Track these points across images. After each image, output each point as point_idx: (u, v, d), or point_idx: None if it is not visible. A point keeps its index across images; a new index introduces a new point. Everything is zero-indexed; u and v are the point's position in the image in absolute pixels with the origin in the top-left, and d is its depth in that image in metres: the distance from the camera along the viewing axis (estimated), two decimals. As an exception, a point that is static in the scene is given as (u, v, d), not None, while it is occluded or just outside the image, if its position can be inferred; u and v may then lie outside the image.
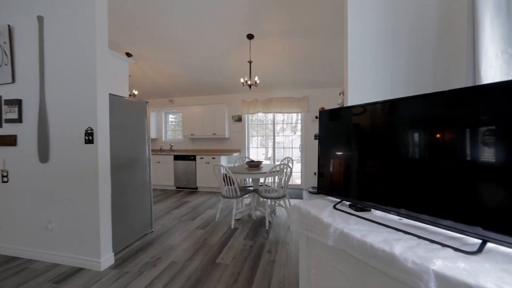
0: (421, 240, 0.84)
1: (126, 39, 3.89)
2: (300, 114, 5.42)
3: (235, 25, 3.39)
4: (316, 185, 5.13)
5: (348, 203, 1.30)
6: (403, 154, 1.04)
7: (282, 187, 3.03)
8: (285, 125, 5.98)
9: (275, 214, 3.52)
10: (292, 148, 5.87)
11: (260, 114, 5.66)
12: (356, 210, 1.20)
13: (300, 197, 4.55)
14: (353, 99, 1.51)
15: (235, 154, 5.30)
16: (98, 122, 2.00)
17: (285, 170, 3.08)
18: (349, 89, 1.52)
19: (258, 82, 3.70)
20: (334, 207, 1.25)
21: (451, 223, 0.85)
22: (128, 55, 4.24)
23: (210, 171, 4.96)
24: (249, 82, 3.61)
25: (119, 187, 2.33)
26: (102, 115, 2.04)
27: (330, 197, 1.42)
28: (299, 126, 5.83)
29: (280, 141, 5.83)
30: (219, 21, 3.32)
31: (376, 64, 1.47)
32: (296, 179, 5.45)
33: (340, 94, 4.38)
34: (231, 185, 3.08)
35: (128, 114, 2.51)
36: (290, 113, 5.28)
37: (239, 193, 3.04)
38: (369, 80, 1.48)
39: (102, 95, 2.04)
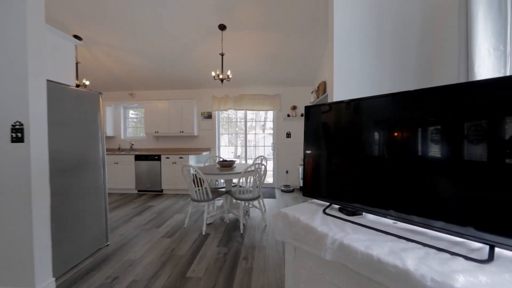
0: (427, 249, 0.76)
1: (75, 18, 3.29)
2: (270, 112, 5.37)
3: (206, 13, 3.11)
4: (288, 184, 5.15)
5: (337, 206, 1.21)
6: (394, 153, 0.98)
7: (257, 187, 2.89)
8: (253, 123, 5.87)
9: (249, 215, 3.37)
10: (264, 146, 5.78)
11: (229, 111, 5.44)
12: (347, 215, 1.10)
13: (273, 196, 4.48)
14: (339, 94, 1.42)
15: (204, 153, 5.00)
16: (31, 115, 1.57)
17: (260, 170, 2.94)
18: (335, 84, 1.43)
19: (230, 76, 3.48)
20: (324, 212, 1.14)
21: (443, 224, 0.82)
22: (78, 38, 3.61)
23: (177, 171, 4.57)
24: (221, 76, 3.37)
25: (63, 195, 1.91)
26: (37, 107, 1.62)
27: (316, 200, 1.31)
28: (268, 124, 5.79)
29: (250, 139, 5.68)
30: (187, 7, 3.00)
31: (363, 58, 1.40)
32: (268, 177, 5.37)
33: (312, 93, 4.42)
34: (201, 187, 2.82)
35: (75, 106, 2.07)
36: (262, 110, 5.18)
37: (210, 196, 2.80)
38: (356, 75, 1.41)
39: (36, 81, 1.61)
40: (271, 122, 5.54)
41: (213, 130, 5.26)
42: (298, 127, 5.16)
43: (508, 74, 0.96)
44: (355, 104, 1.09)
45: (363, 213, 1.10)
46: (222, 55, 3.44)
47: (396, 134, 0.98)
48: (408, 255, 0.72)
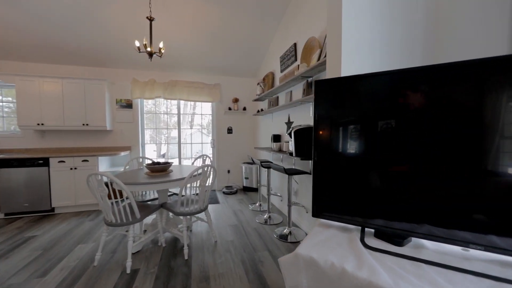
0: None
1: None
2: (200, 104, 4.72)
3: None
4: (230, 185, 4.64)
5: (371, 230, 0.82)
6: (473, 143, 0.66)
7: (206, 191, 2.25)
8: (181, 117, 5.09)
9: (191, 231, 2.67)
10: (202, 143, 5.03)
11: (151, 101, 4.40)
12: (394, 243, 0.73)
13: (216, 201, 3.89)
14: (348, 69, 1.04)
15: (123, 154, 3.80)
16: None
17: (208, 173, 2.31)
18: (343, 56, 1.04)
19: (163, 50, 2.62)
20: (364, 243, 0.72)
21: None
22: None
23: (79, 180, 3.26)
24: (149, 49, 2.48)
25: None
26: None
27: (333, 222, 0.89)
28: (196, 118, 5.14)
29: (175, 136, 4.79)
30: None
31: (373, 26, 1.07)
32: (207, 179, 4.70)
33: (258, 85, 4.05)
34: (120, 199, 1.94)
35: None
36: (199, 101, 4.43)
37: (138, 215, 1.97)
38: (365, 46, 1.07)
39: None
40: (200, 116, 4.88)
41: (135, 123, 4.10)
42: (240, 121, 4.73)
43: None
44: (420, 77, 0.71)
45: (411, 238, 0.76)
46: (150, 20, 2.53)
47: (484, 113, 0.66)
48: None
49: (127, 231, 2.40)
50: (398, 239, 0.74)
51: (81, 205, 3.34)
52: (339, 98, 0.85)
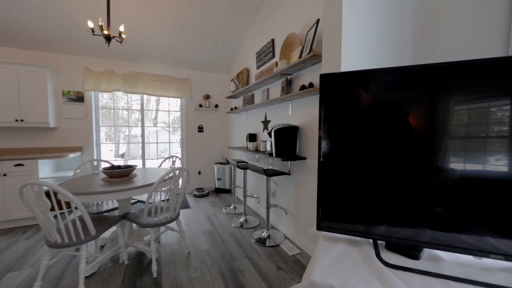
0: None
1: None
2: (165, 100, 4.37)
3: None
4: (201, 187, 4.35)
5: (382, 242, 0.73)
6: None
7: (179, 193, 1.99)
8: (144, 113, 4.69)
9: (159, 242, 2.37)
10: (169, 143, 4.62)
11: (107, 95, 3.84)
12: (406, 255, 0.65)
13: (187, 205, 3.58)
14: (348, 66, 0.95)
15: (72, 155, 3.23)
16: None
17: (179, 176, 2.05)
18: (343, 53, 0.94)
19: (124, 36, 2.25)
20: (381, 260, 0.62)
21: None
22: None
23: (10, 189, 2.64)
24: (106, 32, 2.09)
25: None
26: None
27: (338, 235, 0.78)
28: (160, 115, 4.78)
29: (136, 134, 4.32)
30: None
31: (371, 23, 1.00)
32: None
33: (232, 81, 3.85)
34: (65, 211, 1.58)
35: None
36: (167, 96, 4.03)
37: (93, 231, 1.62)
38: (364, 43, 0.99)
39: None
40: (167, 113, 4.50)
41: (88, 119, 3.53)
42: (212, 119, 4.46)
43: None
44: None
45: (424, 249, 0.70)
46: (107, -2, 2.13)
47: None
48: None
49: (77, 249, 2.00)
50: (414, 251, 0.66)
51: (14, 220, 2.71)
52: (350, 94, 0.74)
